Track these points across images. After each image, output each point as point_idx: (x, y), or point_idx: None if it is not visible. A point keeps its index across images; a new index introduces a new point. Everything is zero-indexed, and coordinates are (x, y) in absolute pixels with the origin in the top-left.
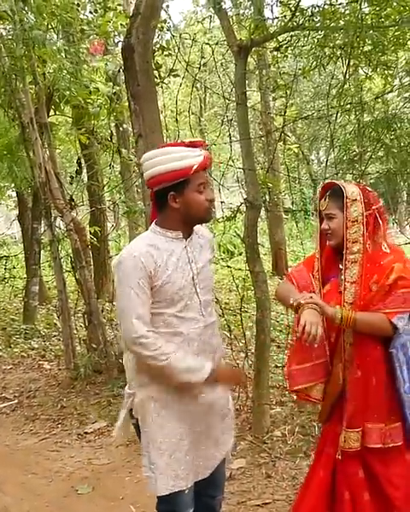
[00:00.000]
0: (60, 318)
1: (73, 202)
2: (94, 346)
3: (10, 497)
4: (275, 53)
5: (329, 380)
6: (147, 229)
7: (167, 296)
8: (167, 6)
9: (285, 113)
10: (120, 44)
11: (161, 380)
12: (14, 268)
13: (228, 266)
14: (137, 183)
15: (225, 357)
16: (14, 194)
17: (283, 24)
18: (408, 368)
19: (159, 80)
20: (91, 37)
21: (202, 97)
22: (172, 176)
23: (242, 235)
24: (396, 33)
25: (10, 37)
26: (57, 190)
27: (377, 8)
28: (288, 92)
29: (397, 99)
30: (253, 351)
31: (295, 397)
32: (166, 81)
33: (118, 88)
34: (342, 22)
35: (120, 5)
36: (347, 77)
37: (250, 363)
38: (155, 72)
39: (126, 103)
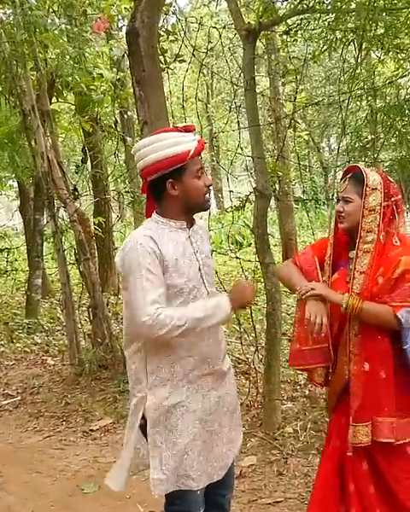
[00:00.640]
0: (63, 312)
1: (76, 192)
2: (99, 340)
3: (14, 497)
4: (284, 37)
5: (334, 371)
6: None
7: (176, 287)
8: None
9: (295, 99)
10: (124, 28)
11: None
12: (16, 260)
13: (237, 257)
14: None
15: (234, 352)
16: (16, 184)
17: (292, 6)
18: None
19: (164, 66)
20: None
21: (209, 83)
22: (168, 162)
23: (251, 226)
24: None
25: (11, 21)
26: (60, 180)
27: None
28: (298, 77)
29: None
30: (263, 344)
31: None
32: (172, 66)
33: (122, 74)
34: (353, 4)
35: None
36: (359, 61)
37: (260, 357)
38: (161, 57)
39: (131, 90)
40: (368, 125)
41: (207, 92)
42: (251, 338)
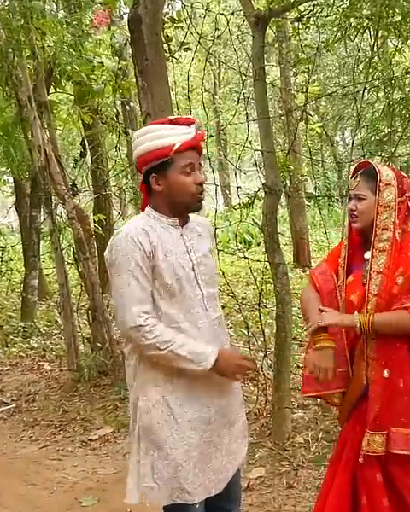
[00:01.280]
0: (61, 315)
1: (75, 188)
2: (99, 345)
3: (9, 510)
4: (296, 24)
5: (351, 381)
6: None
7: (167, 286)
8: None
9: (307, 89)
10: (126, 15)
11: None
12: (12, 260)
13: (245, 257)
14: None
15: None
16: (11, 179)
17: None
18: None
19: (169, 54)
20: (95, 7)
21: (217, 73)
22: (152, 155)
23: (260, 224)
24: None
25: (6, 6)
26: (58, 175)
27: None
28: (310, 67)
29: None
30: (272, 349)
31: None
32: (176, 55)
33: (124, 63)
34: None
35: None
36: (375, 50)
37: (270, 362)
38: (165, 45)
39: (133, 79)
40: (385, 117)
41: (214, 82)
42: (260, 342)
